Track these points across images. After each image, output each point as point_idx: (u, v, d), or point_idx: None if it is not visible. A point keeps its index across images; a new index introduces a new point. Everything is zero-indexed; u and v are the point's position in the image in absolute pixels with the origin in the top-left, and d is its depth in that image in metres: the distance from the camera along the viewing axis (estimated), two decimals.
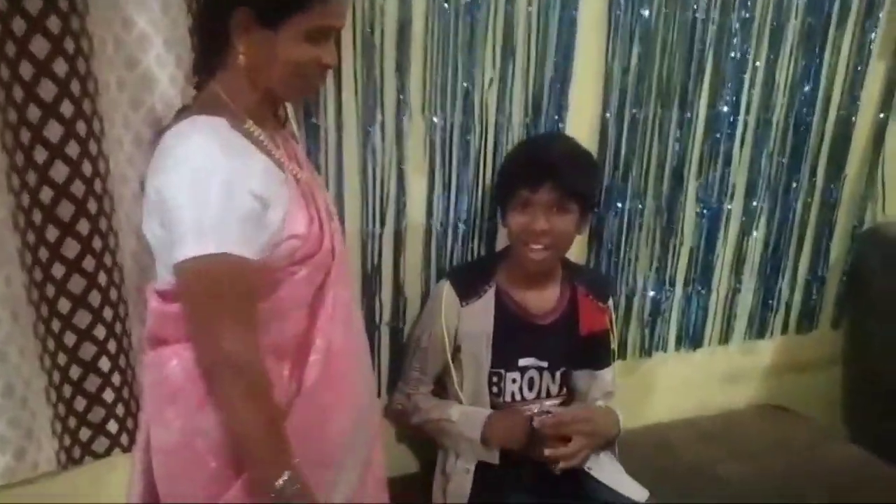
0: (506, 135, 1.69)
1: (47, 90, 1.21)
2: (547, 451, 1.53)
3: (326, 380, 1.17)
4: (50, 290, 1.32)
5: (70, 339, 1.36)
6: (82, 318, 1.35)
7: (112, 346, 1.39)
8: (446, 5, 1.54)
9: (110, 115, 1.31)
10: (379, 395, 1.71)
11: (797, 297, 2.19)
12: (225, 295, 1.05)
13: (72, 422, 1.42)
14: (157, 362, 1.15)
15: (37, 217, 1.28)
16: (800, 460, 1.94)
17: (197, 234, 1.03)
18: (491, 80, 1.63)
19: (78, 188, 1.28)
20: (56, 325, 1.35)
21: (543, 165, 1.53)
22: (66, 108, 1.23)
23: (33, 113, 1.22)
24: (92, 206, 1.30)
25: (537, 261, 1.57)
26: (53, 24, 1.19)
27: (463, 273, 1.67)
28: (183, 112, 1.18)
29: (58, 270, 1.31)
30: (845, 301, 2.26)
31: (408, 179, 1.63)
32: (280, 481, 1.06)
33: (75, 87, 1.23)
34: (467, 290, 1.61)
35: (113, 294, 1.37)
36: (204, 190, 1.03)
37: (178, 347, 1.13)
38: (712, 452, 1.94)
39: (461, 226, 1.71)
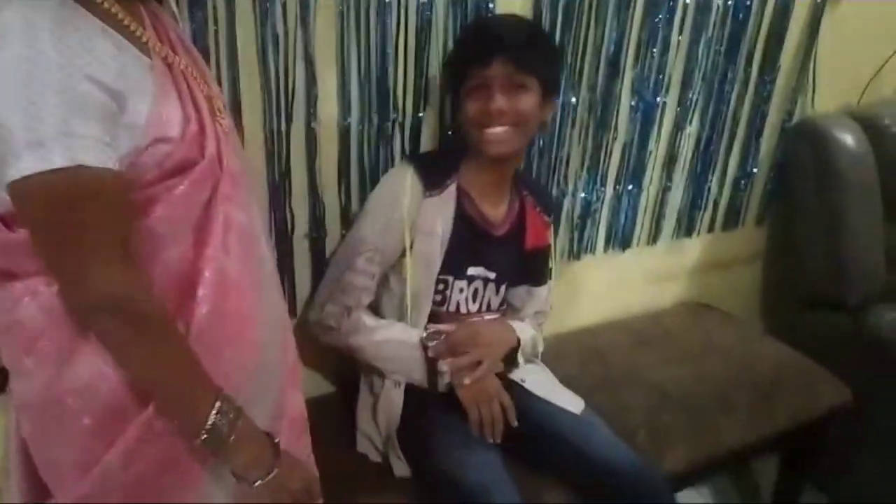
0: (431, 7, 1.47)
1: None
2: (444, 366, 1.41)
3: (218, 317, 0.97)
4: None
5: None
6: None
7: None
8: None
9: None
10: (295, 315, 1.53)
11: (725, 194, 2.12)
12: (84, 220, 0.84)
13: None
14: (6, 303, 0.93)
15: None
16: (727, 359, 1.91)
17: (33, 145, 0.79)
18: None
19: None
20: None
21: (493, 38, 1.37)
22: None
23: None
24: None
25: (498, 144, 1.39)
26: None
27: (427, 161, 1.48)
28: None
29: None
30: (771, 198, 2.22)
31: (317, 67, 1.40)
32: (212, 417, 0.92)
33: None
34: (432, 180, 1.43)
35: None
36: (34, 85, 0.79)
37: (31, 283, 0.91)
38: (642, 357, 1.89)
39: (385, 120, 1.51)
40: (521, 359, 1.54)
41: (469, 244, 1.48)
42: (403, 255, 1.43)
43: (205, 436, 0.93)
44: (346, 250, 1.47)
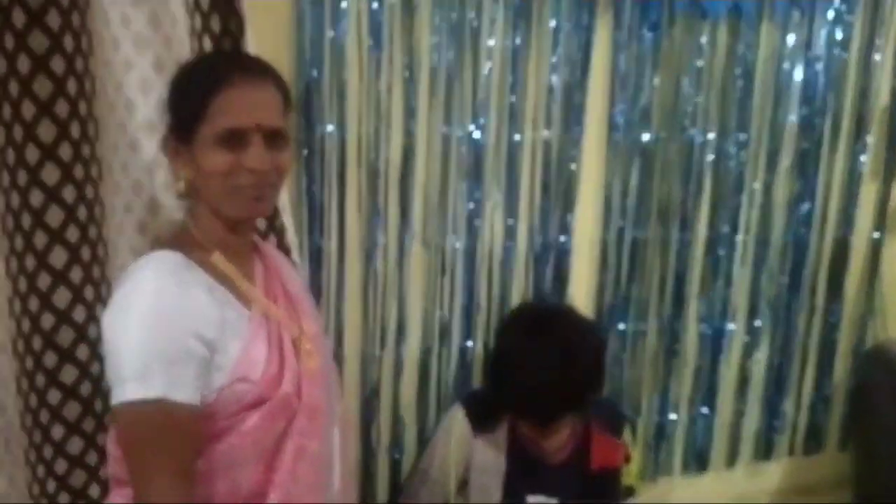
0: (511, 260, 1.69)
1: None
2: None
3: None
4: (37, 343, 1.26)
5: (54, 396, 1.28)
6: (68, 374, 1.28)
7: (98, 405, 1.31)
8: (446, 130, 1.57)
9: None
10: None
11: (802, 417, 2.15)
12: (158, 442, 0.99)
13: (51, 486, 1.32)
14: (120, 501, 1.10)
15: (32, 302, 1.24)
16: None
17: (138, 377, 0.98)
18: (494, 204, 1.64)
19: (76, 275, 1.25)
20: (41, 380, 1.27)
21: (530, 403, 1.51)
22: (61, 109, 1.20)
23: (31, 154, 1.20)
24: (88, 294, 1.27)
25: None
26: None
27: (478, 402, 1.62)
28: (156, 243, 1.17)
29: (47, 321, 1.25)
30: (851, 421, 2.22)
31: (408, 303, 1.61)
32: None
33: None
34: (481, 421, 1.57)
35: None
36: (148, 331, 0.99)
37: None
38: None
39: (463, 350, 1.69)
40: None
41: (525, 474, 1.58)
42: (462, 490, 1.55)
43: None
44: (412, 482, 1.63)
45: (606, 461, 1.63)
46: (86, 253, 1.25)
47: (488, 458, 1.56)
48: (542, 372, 1.46)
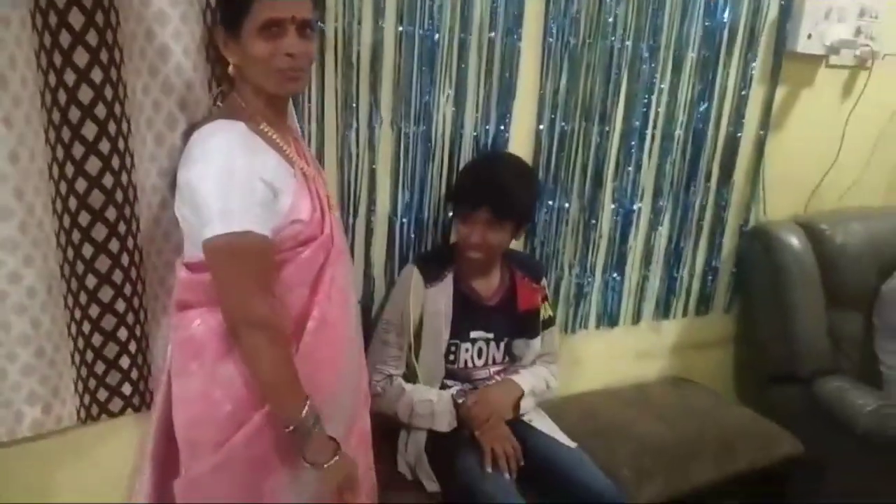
0: (459, 143, 1.99)
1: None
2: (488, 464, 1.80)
3: (319, 343, 1.40)
4: (80, 268, 1.53)
5: (94, 311, 1.57)
6: (105, 293, 1.57)
7: (130, 318, 1.61)
8: (411, 29, 1.83)
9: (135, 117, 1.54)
10: None
11: (695, 284, 2.57)
12: (249, 264, 1.27)
13: (92, 383, 1.63)
14: (184, 323, 1.39)
15: (72, 203, 1.49)
16: (700, 419, 2.31)
17: (224, 216, 1.25)
18: (448, 95, 1.93)
19: (108, 180, 1.50)
20: (83, 298, 1.56)
21: (482, 190, 1.84)
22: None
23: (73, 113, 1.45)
24: (118, 196, 1.53)
25: (473, 260, 1.90)
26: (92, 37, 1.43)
27: (427, 260, 1.95)
28: (209, 117, 1.42)
29: (87, 250, 1.53)
30: (735, 290, 2.66)
31: (378, 178, 1.91)
32: (302, 413, 1.29)
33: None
34: (431, 274, 1.90)
35: (133, 273, 1.59)
36: (228, 180, 1.26)
37: (202, 310, 1.36)
38: (628, 415, 2.29)
39: (420, 219, 2.01)
40: (527, 403, 1.95)
41: (467, 315, 1.93)
42: (418, 332, 1.89)
43: (292, 427, 1.30)
44: (379, 331, 1.93)
45: (530, 303, 2.00)
46: (112, 127, 1.48)
47: (438, 304, 1.89)
48: (501, 168, 1.89)
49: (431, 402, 1.86)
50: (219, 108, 1.45)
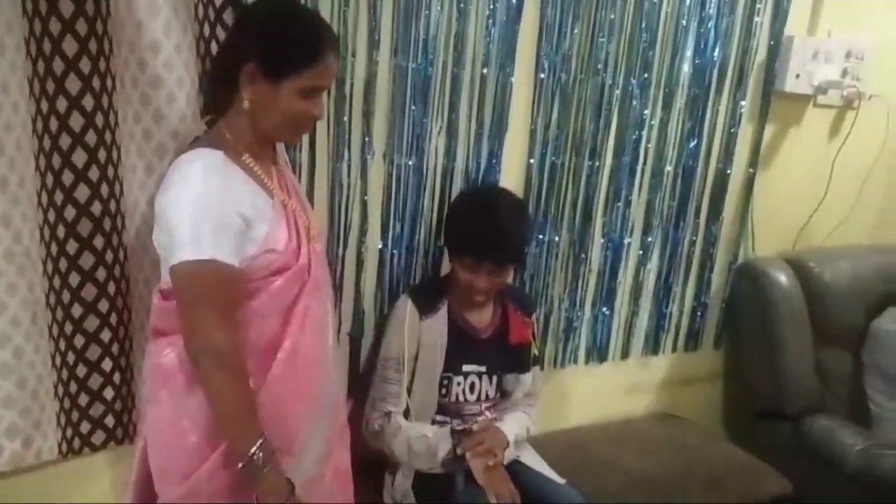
0: (451, 175, 2.00)
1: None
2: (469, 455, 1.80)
3: (289, 374, 1.37)
4: (66, 297, 1.52)
5: (79, 341, 1.56)
6: (91, 322, 1.55)
7: (115, 348, 1.59)
8: (404, 65, 1.84)
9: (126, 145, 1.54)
10: None
11: (685, 320, 2.57)
12: (212, 293, 1.26)
13: (74, 415, 1.60)
14: (156, 350, 1.37)
15: (60, 231, 1.48)
16: (688, 455, 2.30)
17: (192, 243, 1.24)
18: (440, 128, 1.94)
19: (96, 208, 1.50)
20: (68, 328, 1.54)
21: (487, 242, 1.80)
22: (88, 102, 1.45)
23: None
24: (107, 224, 1.52)
25: (479, 303, 1.91)
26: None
27: (420, 292, 1.94)
28: (193, 144, 1.41)
29: (74, 279, 1.51)
30: (724, 325, 2.66)
31: (369, 209, 1.91)
32: (253, 449, 1.26)
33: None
34: (425, 306, 1.89)
35: (119, 302, 1.58)
36: (200, 208, 1.26)
37: (173, 338, 1.34)
38: (616, 450, 2.28)
39: (411, 250, 2.01)
40: (509, 453, 1.91)
41: (462, 347, 1.92)
42: (413, 365, 1.87)
43: (243, 464, 1.27)
44: (379, 367, 1.91)
45: (521, 336, 1.99)
46: (102, 154, 1.48)
47: (433, 336, 1.88)
48: (500, 215, 1.82)
49: (427, 438, 1.84)
50: (204, 136, 1.45)
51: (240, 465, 1.27)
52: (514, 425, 1.96)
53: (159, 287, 1.40)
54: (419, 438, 1.83)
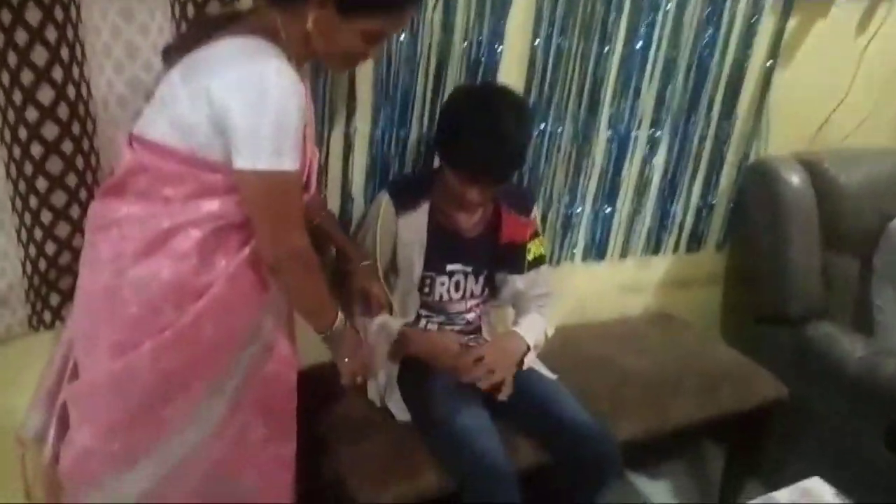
0: (448, 57, 1.86)
1: None
2: (484, 387, 1.74)
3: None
4: (28, 169, 1.42)
5: (46, 216, 1.47)
6: (59, 198, 1.46)
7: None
8: None
9: None
10: None
11: (689, 220, 2.48)
12: (292, 202, 1.29)
13: (43, 289, 1.54)
14: (108, 210, 1.29)
15: (16, 97, 1.37)
16: (684, 356, 2.25)
17: (274, 153, 1.21)
18: (436, 2, 1.78)
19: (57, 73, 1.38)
20: (33, 202, 1.45)
21: (485, 160, 1.65)
22: None
23: None
24: (70, 92, 1.40)
25: (470, 211, 1.81)
26: None
27: (401, 187, 1.82)
28: (235, 21, 1.30)
29: (36, 150, 1.41)
30: (729, 227, 2.57)
31: (358, 89, 1.78)
32: (337, 323, 1.43)
33: None
34: (404, 203, 1.77)
35: (88, 177, 1.48)
36: (282, 118, 1.20)
37: (132, 200, 1.27)
38: (610, 349, 2.23)
39: (402, 135, 1.89)
40: (529, 358, 1.85)
41: (444, 247, 1.82)
42: (393, 262, 1.80)
43: (329, 332, 1.42)
44: None
45: (514, 236, 1.88)
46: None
47: (411, 234, 1.78)
48: (501, 129, 1.64)
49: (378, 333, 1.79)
50: (251, 17, 1.33)
51: (328, 332, 1.43)
52: (530, 331, 1.88)
53: (147, 137, 1.27)
54: (376, 332, 1.78)
